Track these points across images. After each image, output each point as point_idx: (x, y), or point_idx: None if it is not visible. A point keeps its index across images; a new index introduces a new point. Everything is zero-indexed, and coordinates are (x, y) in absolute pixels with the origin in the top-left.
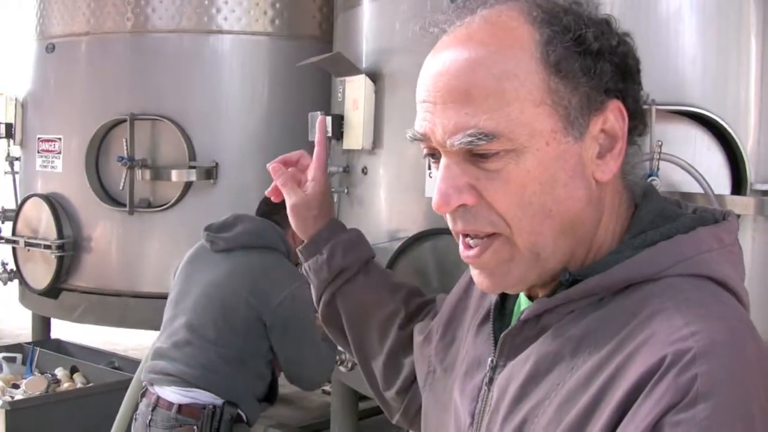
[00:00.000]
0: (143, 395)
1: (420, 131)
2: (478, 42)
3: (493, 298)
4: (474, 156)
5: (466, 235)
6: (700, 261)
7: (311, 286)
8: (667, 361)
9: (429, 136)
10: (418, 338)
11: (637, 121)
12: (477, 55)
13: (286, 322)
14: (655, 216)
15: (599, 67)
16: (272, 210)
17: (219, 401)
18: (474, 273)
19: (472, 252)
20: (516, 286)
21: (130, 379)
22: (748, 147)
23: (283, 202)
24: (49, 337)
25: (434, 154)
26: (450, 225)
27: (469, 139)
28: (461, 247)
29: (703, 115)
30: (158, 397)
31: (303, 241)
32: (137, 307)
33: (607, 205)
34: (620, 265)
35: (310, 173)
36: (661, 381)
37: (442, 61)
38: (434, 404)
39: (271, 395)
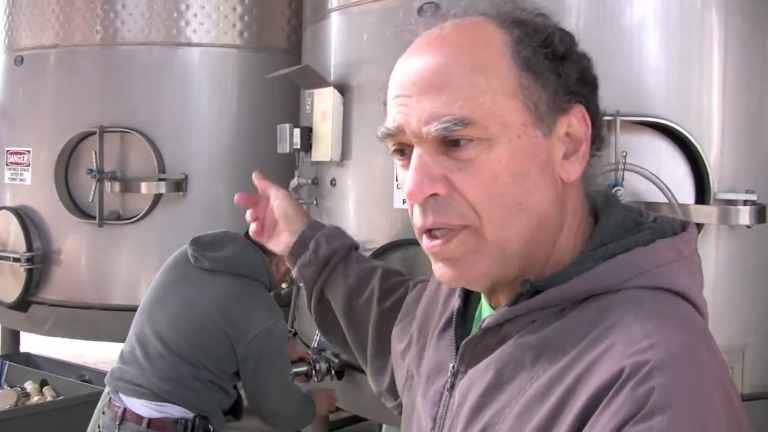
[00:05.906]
0: (107, 405)
1: (393, 124)
2: (453, 41)
3: (456, 303)
4: (447, 146)
5: (431, 231)
6: (659, 273)
7: (304, 290)
8: (625, 374)
9: (403, 127)
10: (398, 346)
11: (597, 132)
12: (451, 52)
13: (258, 356)
14: (617, 228)
15: (565, 69)
16: None
17: (190, 415)
18: (437, 266)
19: (437, 241)
20: (479, 281)
21: (101, 392)
22: (711, 157)
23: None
24: (19, 350)
25: (403, 150)
26: (418, 221)
27: (445, 125)
28: (425, 240)
29: (667, 125)
30: (125, 410)
31: (286, 271)
32: (107, 319)
33: (569, 211)
34: (581, 277)
35: (272, 198)
36: (619, 393)
37: (417, 58)
38: (411, 409)
39: (236, 410)
